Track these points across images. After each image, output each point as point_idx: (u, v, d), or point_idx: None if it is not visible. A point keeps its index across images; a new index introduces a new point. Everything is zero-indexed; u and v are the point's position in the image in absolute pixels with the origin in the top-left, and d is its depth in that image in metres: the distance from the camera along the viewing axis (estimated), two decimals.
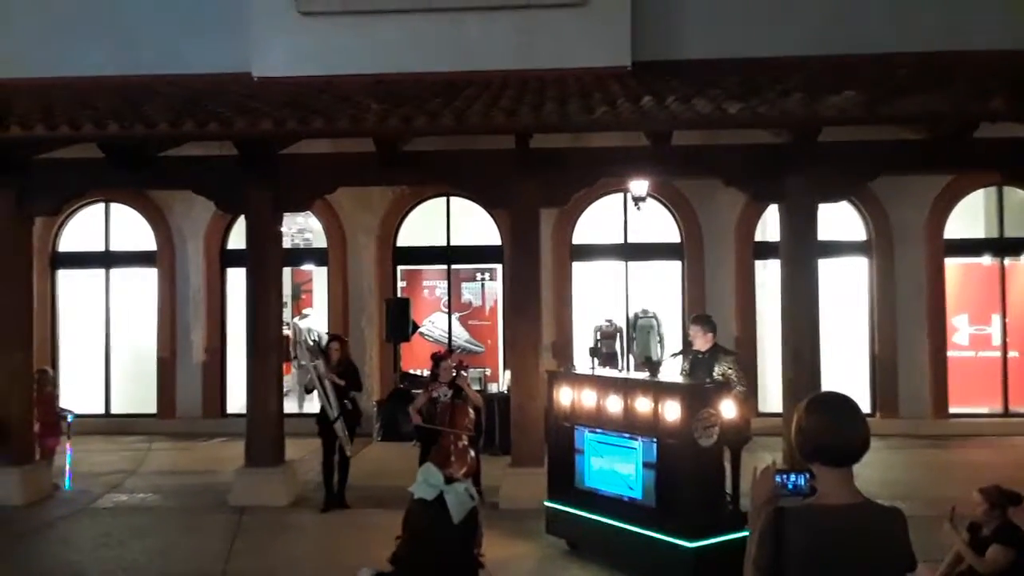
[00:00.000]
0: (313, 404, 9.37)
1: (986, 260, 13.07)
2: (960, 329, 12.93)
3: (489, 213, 12.90)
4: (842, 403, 2.69)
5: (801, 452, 2.67)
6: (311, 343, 12.96)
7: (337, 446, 8.93)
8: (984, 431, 12.30)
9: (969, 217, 13.03)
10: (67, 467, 10.02)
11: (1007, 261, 12.96)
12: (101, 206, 13.70)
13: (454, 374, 8.82)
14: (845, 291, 12.68)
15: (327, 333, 9.89)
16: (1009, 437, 12.01)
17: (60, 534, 8.30)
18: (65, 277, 13.86)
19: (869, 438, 2.64)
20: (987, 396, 12.85)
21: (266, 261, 9.53)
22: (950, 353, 12.76)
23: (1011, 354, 12.83)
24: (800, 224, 9.08)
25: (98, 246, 13.79)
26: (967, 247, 12.99)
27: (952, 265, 12.89)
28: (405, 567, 2.15)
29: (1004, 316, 12.85)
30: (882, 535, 2.61)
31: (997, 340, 12.87)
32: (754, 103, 8.16)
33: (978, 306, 12.95)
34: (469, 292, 13.66)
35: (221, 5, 11.47)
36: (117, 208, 13.71)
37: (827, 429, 2.59)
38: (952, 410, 12.64)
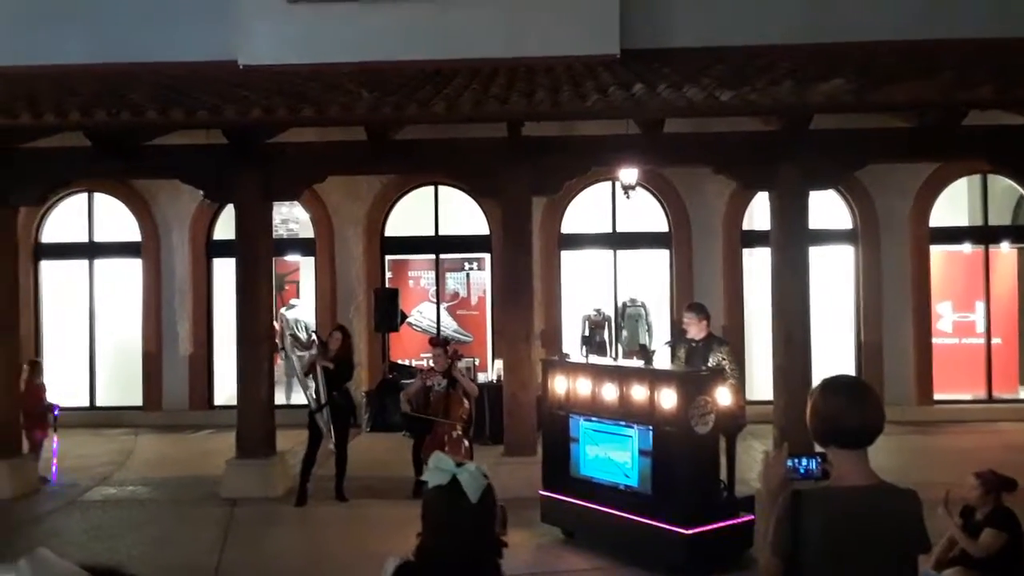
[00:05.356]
0: (303, 395, 9.31)
1: (970, 248, 13.19)
2: (944, 316, 13.05)
3: (477, 202, 12.86)
4: (858, 386, 2.71)
5: (817, 435, 2.68)
6: (299, 334, 12.91)
7: (333, 440, 8.86)
8: (968, 417, 12.42)
9: (954, 205, 13.14)
10: (54, 460, 9.92)
11: (991, 249, 13.07)
12: (84, 196, 13.52)
13: (449, 363, 8.80)
14: (831, 279, 12.74)
15: (337, 326, 9.68)
16: (992, 423, 12.14)
17: (50, 527, 8.23)
18: (48, 268, 13.67)
19: (884, 419, 2.67)
20: (971, 383, 12.98)
21: (256, 251, 9.46)
22: (935, 340, 12.88)
23: (994, 341, 12.96)
24: (791, 211, 9.10)
25: (82, 237, 13.62)
26: (952, 235, 13.10)
27: (937, 253, 12.99)
28: (430, 556, 2.13)
29: (988, 303, 12.97)
30: (898, 516, 2.62)
31: (981, 327, 12.99)
32: (745, 91, 8.17)
33: (962, 293, 13.07)
34: (456, 282, 13.63)
35: None
36: (101, 198, 13.54)
37: (845, 412, 2.61)
38: (936, 396, 12.77)
